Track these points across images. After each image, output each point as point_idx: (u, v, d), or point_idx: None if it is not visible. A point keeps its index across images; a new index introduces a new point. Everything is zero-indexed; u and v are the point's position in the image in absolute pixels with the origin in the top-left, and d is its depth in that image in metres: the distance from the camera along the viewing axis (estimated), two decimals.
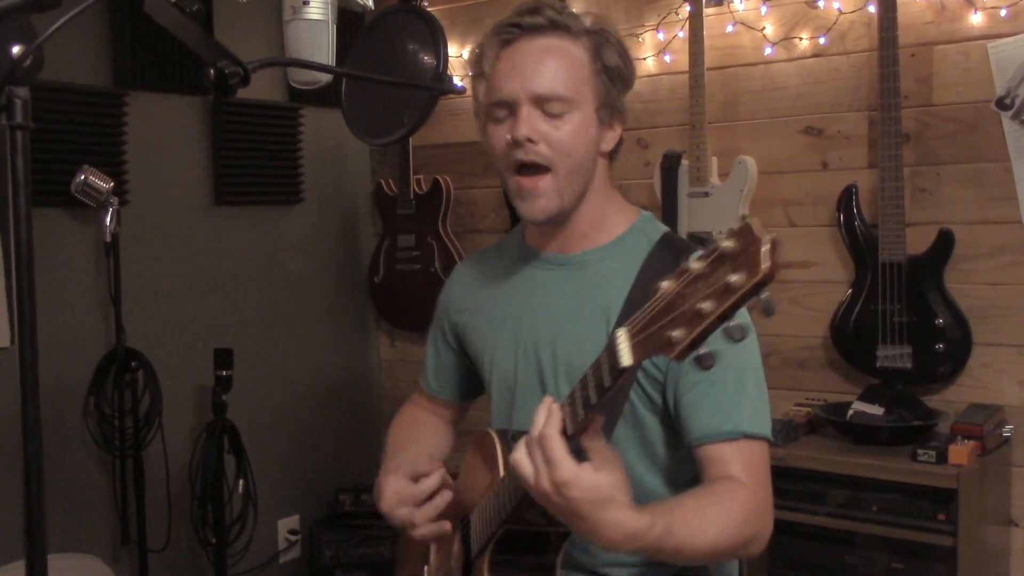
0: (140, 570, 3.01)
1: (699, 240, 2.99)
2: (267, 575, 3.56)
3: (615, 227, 1.59)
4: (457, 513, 1.63)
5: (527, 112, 1.48)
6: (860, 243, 2.78)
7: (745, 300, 0.94)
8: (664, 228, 1.62)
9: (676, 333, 1.00)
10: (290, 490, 3.65)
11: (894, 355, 2.69)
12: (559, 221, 1.56)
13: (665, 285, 1.02)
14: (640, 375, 1.50)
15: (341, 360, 3.88)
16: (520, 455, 1.21)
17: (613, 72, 1.52)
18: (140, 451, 3.03)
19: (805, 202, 2.99)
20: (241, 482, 3.16)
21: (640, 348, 1.07)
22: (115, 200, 2.87)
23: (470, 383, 1.82)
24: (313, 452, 3.73)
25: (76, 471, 3.01)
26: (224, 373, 3.12)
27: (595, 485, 1.17)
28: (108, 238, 2.89)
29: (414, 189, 3.64)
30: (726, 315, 0.96)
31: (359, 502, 3.51)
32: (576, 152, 1.50)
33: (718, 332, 0.98)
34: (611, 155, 1.60)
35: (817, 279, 2.97)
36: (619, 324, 1.44)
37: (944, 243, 2.68)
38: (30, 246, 1.09)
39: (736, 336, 0.98)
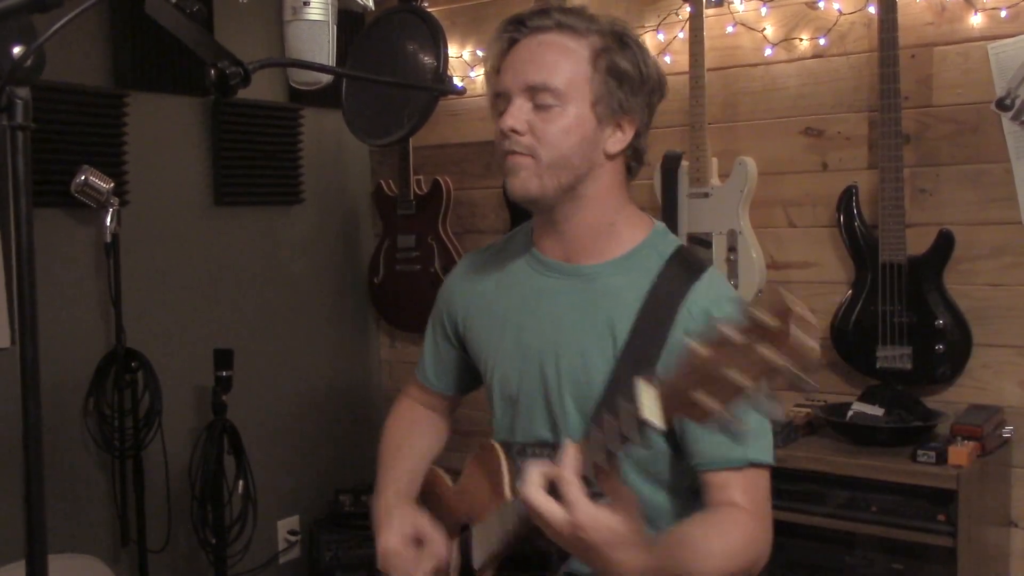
0: (140, 570, 3.00)
1: (699, 241, 2.99)
2: (267, 575, 3.56)
3: (627, 240, 1.57)
4: (456, 519, 1.62)
5: (518, 104, 1.49)
6: (860, 244, 2.78)
7: (783, 376, 0.96)
8: (676, 241, 1.60)
9: (706, 401, 1.01)
10: (290, 491, 3.64)
11: (894, 356, 2.69)
12: (547, 214, 1.56)
13: (696, 349, 1.02)
14: None
15: (341, 361, 3.88)
16: (536, 494, 1.20)
17: (620, 73, 1.51)
18: (140, 451, 3.03)
19: (805, 203, 2.99)
20: (241, 483, 3.16)
21: (667, 409, 1.09)
22: (115, 200, 2.87)
23: (468, 377, 1.81)
24: (313, 453, 3.73)
25: (76, 471, 3.00)
26: (224, 374, 3.12)
27: (611, 528, 1.18)
28: (108, 238, 2.90)
29: (414, 190, 3.64)
30: (763, 391, 0.98)
31: (359, 503, 3.51)
32: (562, 146, 1.49)
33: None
34: (628, 165, 1.58)
35: (817, 280, 2.97)
36: (630, 350, 1.47)
37: (944, 244, 2.68)
38: (31, 247, 1.09)
39: (765, 412, 1.00)
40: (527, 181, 1.50)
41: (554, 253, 1.60)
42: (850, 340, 2.79)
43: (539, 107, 1.48)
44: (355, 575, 3.45)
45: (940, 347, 2.67)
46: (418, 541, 1.62)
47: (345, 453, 3.80)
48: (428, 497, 1.75)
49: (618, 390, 1.46)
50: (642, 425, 1.11)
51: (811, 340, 0.92)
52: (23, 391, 1.08)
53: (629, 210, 1.60)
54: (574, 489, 1.17)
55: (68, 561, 2.82)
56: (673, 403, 1.06)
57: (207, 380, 3.16)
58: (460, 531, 1.61)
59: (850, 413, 2.70)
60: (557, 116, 1.48)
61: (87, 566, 2.84)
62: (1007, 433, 2.64)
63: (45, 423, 3.07)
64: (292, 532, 3.66)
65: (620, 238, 1.57)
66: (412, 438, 1.82)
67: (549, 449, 1.53)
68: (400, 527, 1.62)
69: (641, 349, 1.48)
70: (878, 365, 2.71)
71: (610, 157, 1.54)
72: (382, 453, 1.80)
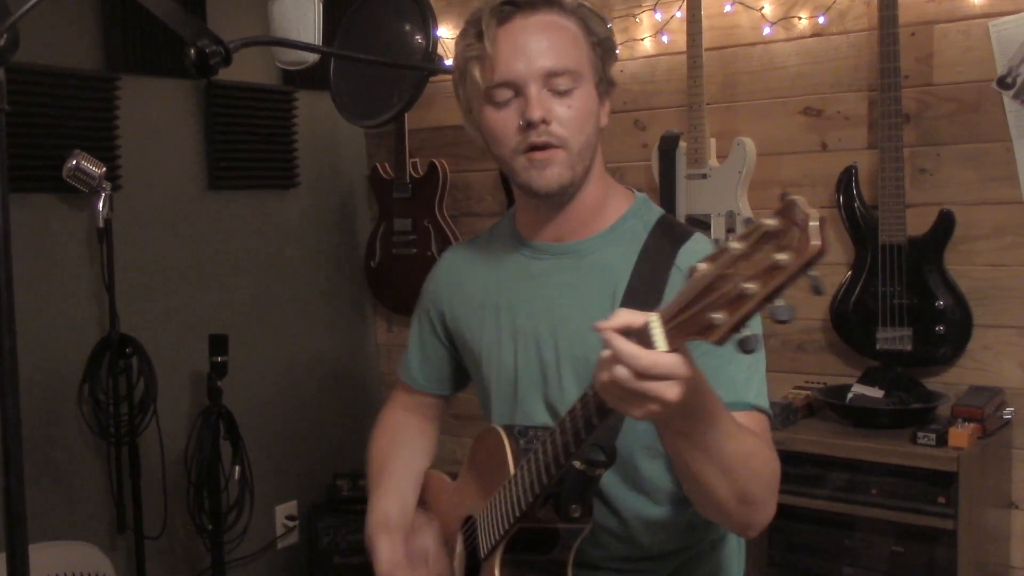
0: (136, 557, 3.00)
1: (697, 222, 2.97)
2: (265, 561, 3.55)
3: (612, 212, 1.55)
4: (459, 514, 1.60)
5: (536, 92, 1.42)
6: (860, 225, 2.75)
7: (794, 279, 0.92)
8: (659, 211, 1.58)
9: (718, 316, 0.97)
10: (287, 476, 3.64)
11: (894, 337, 2.67)
12: (565, 199, 1.51)
13: (703, 267, 0.99)
14: None
15: (338, 345, 3.87)
16: (617, 338, 1.09)
17: (605, 44, 1.49)
18: (135, 438, 3.01)
19: (804, 183, 2.97)
20: (237, 468, 3.15)
21: (677, 333, 1.03)
22: (107, 185, 2.85)
23: (457, 375, 1.77)
24: (310, 438, 3.72)
25: (71, 458, 2.99)
26: (219, 359, 3.10)
27: (689, 370, 1.09)
28: (101, 224, 2.88)
29: (410, 173, 3.62)
30: (772, 295, 0.93)
31: (357, 487, 3.50)
32: (586, 128, 1.46)
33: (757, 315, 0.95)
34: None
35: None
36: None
37: (944, 224, 2.66)
38: (7, 231, 1.06)
39: (782, 317, 0.96)
40: (562, 173, 1.45)
41: (545, 236, 1.57)
42: (850, 321, 2.77)
43: (557, 93, 1.43)
44: (353, 559, 3.45)
45: (940, 328, 2.65)
46: (414, 558, 1.61)
47: (342, 438, 3.79)
48: (428, 499, 1.72)
49: None
50: None
51: (815, 232, 0.89)
52: (0, 379, 1.05)
53: (610, 181, 1.59)
54: (659, 332, 1.07)
55: (64, 548, 2.81)
56: (685, 328, 1.02)
57: (202, 366, 3.15)
58: (463, 524, 1.58)
59: (850, 395, 2.69)
60: (577, 99, 1.44)
61: (83, 553, 2.84)
62: (1008, 414, 2.63)
63: (40, 410, 3.08)
64: (290, 517, 3.65)
65: (606, 210, 1.55)
66: (400, 452, 1.76)
67: (548, 431, 1.51)
68: (389, 545, 1.61)
69: None
70: (878, 347, 2.69)
71: (601, 131, 1.53)
72: (370, 469, 1.75)
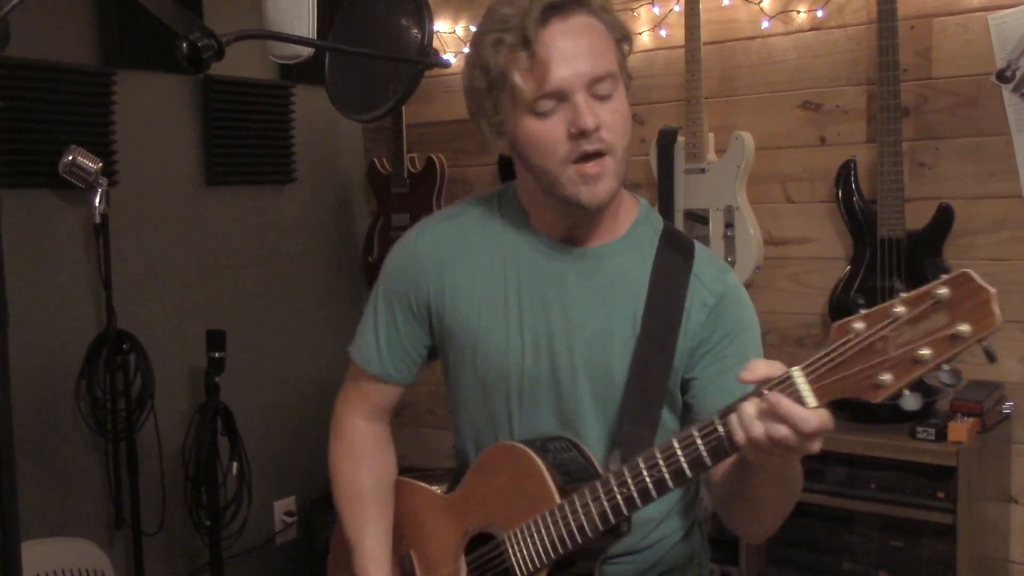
0: (134, 554, 2.99)
1: (696, 217, 2.96)
2: (263, 557, 3.55)
3: (624, 217, 1.54)
4: (458, 528, 1.55)
5: (584, 99, 1.38)
6: (859, 219, 2.75)
7: (967, 349, 0.99)
8: (659, 216, 1.58)
9: (886, 378, 1.03)
10: (286, 472, 3.63)
11: None
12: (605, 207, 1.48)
13: (859, 327, 1.05)
14: (673, 382, 1.49)
15: (335, 340, 3.85)
16: (784, 404, 1.15)
17: (627, 40, 1.46)
18: (133, 434, 3.01)
19: (803, 178, 2.96)
20: (235, 464, 3.14)
21: (828, 390, 1.10)
22: (104, 181, 2.84)
23: (422, 360, 1.66)
24: (308, 433, 3.70)
25: (69, 455, 2.98)
26: (217, 355, 3.09)
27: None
28: (97, 219, 2.87)
29: (408, 168, 3.61)
30: (946, 362, 1.01)
31: None
32: (628, 132, 1.43)
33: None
34: None
35: (815, 255, 2.94)
36: (648, 328, 1.45)
37: (943, 218, 2.65)
38: None
39: (949, 382, 1.03)
40: (611, 185, 1.42)
41: (560, 233, 1.51)
42: (849, 315, 2.75)
43: (599, 97, 1.39)
44: None
45: None
46: None
47: None
48: (406, 511, 1.67)
49: (644, 374, 1.46)
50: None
51: (996, 309, 0.97)
52: None
53: None
54: (806, 387, 1.15)
55: (62, 545, 2.81)
56: (843, 385, 1.08)
57: (200, 361, 3.14)
58: (470, 540, 1.54)
59: None
60: (618, 102, 1.41)
61: (81, 550, 2.83)
62: (1007, 409, 2.62)
63: (37, 406, 3.06)
64: (289, 513, 3.65)
65: (617, 215, 1.53)
66: (369, 479, 1.71)
67: (564, 442, 1.49)
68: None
69: (659, 327, 1.46)
70: None
71: None
72: (340, 497, 1.71)
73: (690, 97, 2.94)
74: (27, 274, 2.86)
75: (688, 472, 1.25)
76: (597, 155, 1.39)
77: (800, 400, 1.11)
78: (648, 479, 1.29)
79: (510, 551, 1.46)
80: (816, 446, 1.15)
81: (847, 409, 2.63)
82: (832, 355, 1.07)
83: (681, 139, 3.00)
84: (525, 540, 1.44)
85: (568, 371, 1.50)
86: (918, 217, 2.67)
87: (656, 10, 3.13)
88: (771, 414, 1.14)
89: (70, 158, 2.74)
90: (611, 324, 1.48)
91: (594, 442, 1.50)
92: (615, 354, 1.48)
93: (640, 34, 3.14)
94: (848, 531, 2.53)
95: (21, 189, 2.85)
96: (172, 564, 3.27)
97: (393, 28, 1.60)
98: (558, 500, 1.39)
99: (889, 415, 2.57)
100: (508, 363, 1.53)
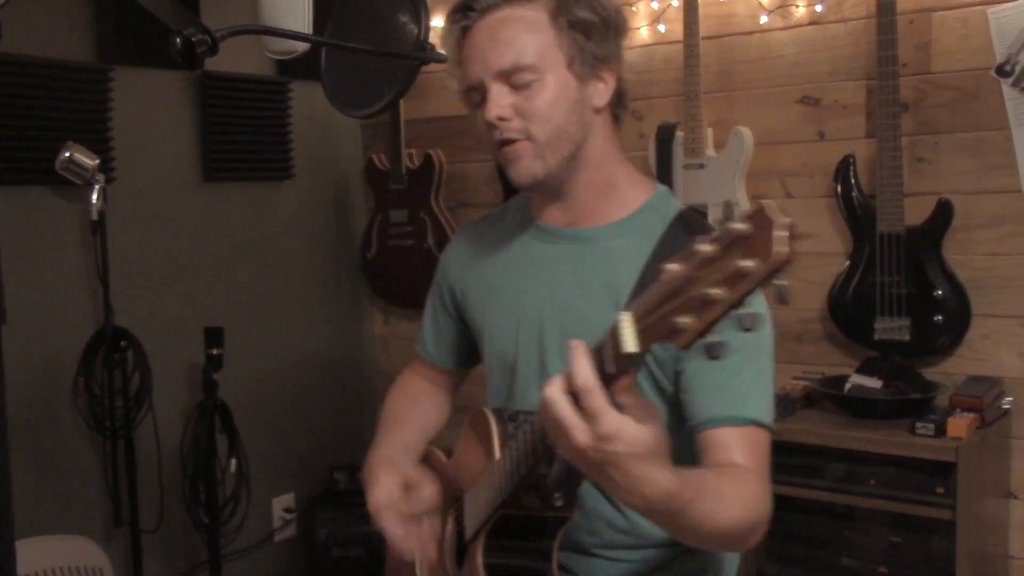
0: (133, 551, 2.99)
1: (694, 213, 2.95)
2: (262, 553, 3.55)
3: (629, 202, 1.53)
4: (451, 493, 1.60)
5: (495, 91, 1.44)
6: (858, 214, 2.74)
7: (758, 286, 0.89)
8: (679, 205, 1.55)
9: (684, 320, 0.94)
10: (285, 468, 3.63)
11: (892, 327, 2.65)
12: (554, 189, 1.51)
13: (672, 268, 0.96)
14: (651, 359, 1.45)
15: (334, 337, 3.85)
16: (559, 400, 1.09)
17: (584, 25, 1.44)
18: (131, 432, 3.00)
19: (802, 173, 2.95)
20: (233, 461, 3.14)
21: (647, 334, 1.01)
22: (101, 177, 2.83)
23: (469, 350, 1.77)
24: (307, 430, 3.71)
25: (67, 452, 2.98)
26: (215, 352, 3.09)
27: (638, 439, 1.07)
28: (95, 216, 2.86)
29: (406, 164, 3.60)
30: (737, 302, 0.91)
31: (354, 480, 3.49)
32: (553, 119, 1.44)
33: (729, 320, 0.93)
34: (615, 115, 1.53)
35: (814, 251, 2.93)
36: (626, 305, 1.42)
37: (943, 213, 2.64)
38: None
39: (747, 324, 0.93)
40: (531, 166, 1.46)
41: (556, 219, 1.56)
42: (848, 311, 2.75)
43: (517, 87, 1.44)
44: (351, 551, 3.44)
45: (939, 318, 2.64)
46: (408, 488, 1.60)
47: (340, 430, 3.78)
48: (430, 470, 1.71)
49: None
50: (617, 352, 1.04)
51: (783, 242, 0.86)
52: None
53: (627, 168, 1.56)
54: (598, 398, 1.06)
55: (60, 543, 2.81)
56: (654, 329, 0.99)
57: (198, 358, 3.13)
58: (455, 503, 1.58)
59: (848, 385, 2.68)
60: (538, 90, 1.43)
61: (79, 547, 2.83)
62: (1006, 404, 2.62)
63: (35, 403, 3.05)
64: (288, 510, 3.65)
65: (621, 199, 1.53)
66: (413, 410, 1.80)
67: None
68: (388, 480, 1.61)
69: None
70: (876, 337, 2.68)
71: (598, 111, 1.50)
72: (381, 422, 1.78)
73: (689, 92, 2.93)
74: (24, 271, 2.85)
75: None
76: (513, 142, 1.46)
77: (620, 341, 1.02)
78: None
79: (465, 511, 1.50)
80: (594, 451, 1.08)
81: (848, 406, 2.63)
82: (651, 297, 0.98)
83: (680, 134, 3.00)
84: (474, 499, 1.47)
85: (555, 352, 1.52)
86: (917, 212, 2.66)
87: (654, 5, 3.12)
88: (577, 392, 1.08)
89: (67, 155, 2.73)
90: (590, 307, 1.49)
91: None
92: (593, 337, 1.47)
93: (638, 29, 3.14)
94: (847, 527, 2.53)
95: (18, 186, 2.85)
96: (171, 561, 3.27)
97: (390, 23, 1.60)
98: (498, 456, 1.41)
99: (889, 411, 2.57)
100: (505, 347, 1.59)
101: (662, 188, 1.58)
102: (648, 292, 1.00)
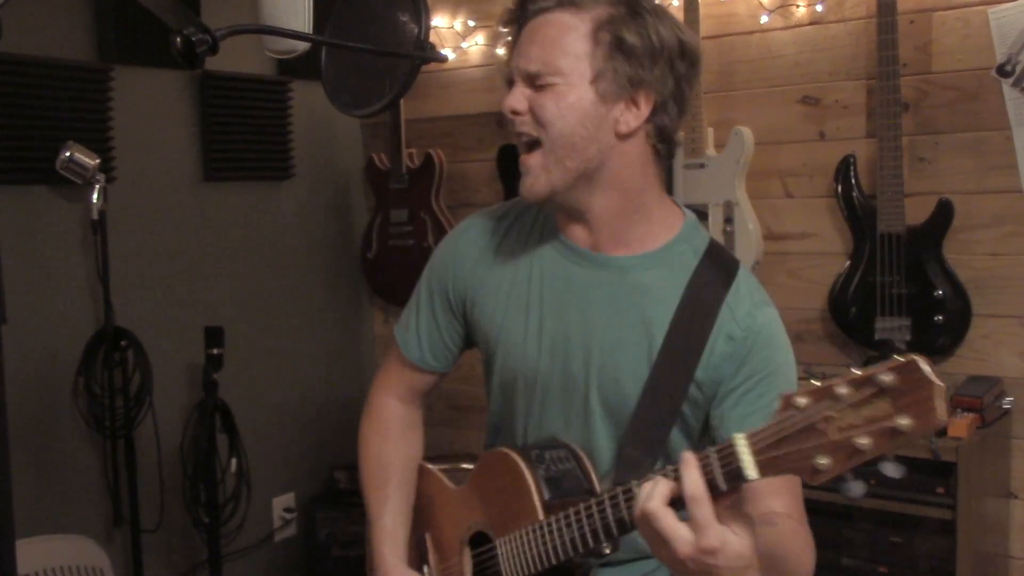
0: (133, 551, 2.99)
1: (695, 214, 2.94)
2: (262, 553, 3.55)
3: (661, 233, 1.50)
4: (462, 525, 1.56)
5: (518, 87, 1.45)
6: (858, 214, 2.74)
7: (909, 442, 0.91)
8: (707, 235, 1.54)
9: (823, 462, 0.96)
10: (285, 468, 3.62)
11: (893, 327, 2.65)
12: (569, 208, 1.48)
13: (800, 402, 0.97)
14: (687, 406, 1.46)
15: (334, 337, 3.85)
16: (663, 514, 1.12)
17: (626, 46, 1.40)
18: (131, 431, 3.00)
19: (802, 173, 2.95)
20: (234, 461, 3.13)
21: (771, 465, 1.03)
22: (101, 177, 2.83)
23: (459, 352, 1.71)
24: (307, 430, 3.71)
25: (67, 452, 2.98)
26: (215, 351, 3.08)
27: (740, 554, 1.11)
28: (95, 216, 2.86)
29: (406, 163, 3.60)
30: (885, 456, 0.93)
31: (354, 479, 3.48)
32: (560, 125, 1.41)
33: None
34: (656, 149, 1.48)
35: (815, 251, 2.93)
36: (667, 351, 1.42)
37: (943, 213, 2.64)
38: None
39: (855, 493, 0.97)
40: (536, 181, 1.44)
41: (580, 239, 1.52)
42: (848, 311, 2.75)
43: (537, 87, 1.43)
44: (351, 551, 3.44)
45: (939, 318, 2.64)
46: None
47: (340, 429, 3.78)
48: (423, 497, 1.69)
49: (656, 395, 1.43)
50: (732, 474, 1.07)
51: (941, 407, 0.88)
52: None
53: (658, 198, 1.52)
54: (707, 510, 1.09)
55: (61, 542, 2.81)
56: (781, 463, 1.02)
57: (198, 358, 3.13)
58: (469, 538, 1.55)
59: None
60: (553, 94, 1.42)
61: (80, 547, 2.83)
62: (1007, 404, 2.62)
63: (35, 403, 3.05)
64: (288, 509, 3.65)
65: (653, 229, 1.50)
66: (395, 457, 1.72)
67: (564, 451, 1.48)
68: (401, 567, 1.62)
69: (679, 351, 1.43)
70: (877, 336, 2.68)
71: (623, 137, 1.44)
72: (367, 481, 1.71)
73: None
74: (24, 271, 2.85)
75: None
76: (529, 144, 1.45)
77: (740, 468, 1.05)
78: (625, 511, 1.25)
79: (500, 557, 1.47)
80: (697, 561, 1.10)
81: None
82: (774, 428, 1.00)
83: (680, 134, 2.99)
84: (513, 549, 1.44)
85: (581, 378, 1.49)
86: (918, 212, 2.66)
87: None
88: (683, 501, 1.11)
89: (67, 154, 2.72)
90: (622, 338, 1.46)
91: (604, 451, 1.49)
92: (624, 370, 1.46)
93: None
94: (847, 527, 2.52)
95: (18, 186, 2.85)
96: (171, 561, 3.27)
97: (390, 23, 1.59)
98: (541, 517, 1.38)
99: None
100: (524, 362, 1.54)
101: (692, 217, 1.56)
102: (772, 424, 1.02)
